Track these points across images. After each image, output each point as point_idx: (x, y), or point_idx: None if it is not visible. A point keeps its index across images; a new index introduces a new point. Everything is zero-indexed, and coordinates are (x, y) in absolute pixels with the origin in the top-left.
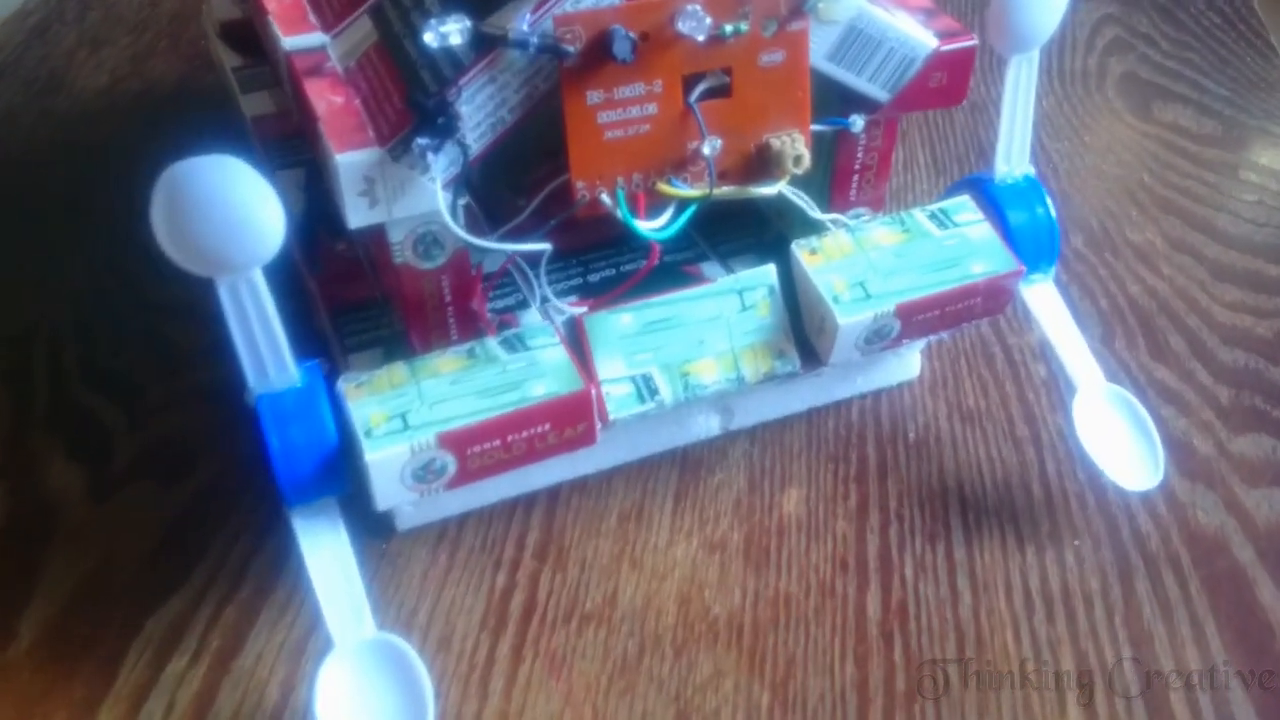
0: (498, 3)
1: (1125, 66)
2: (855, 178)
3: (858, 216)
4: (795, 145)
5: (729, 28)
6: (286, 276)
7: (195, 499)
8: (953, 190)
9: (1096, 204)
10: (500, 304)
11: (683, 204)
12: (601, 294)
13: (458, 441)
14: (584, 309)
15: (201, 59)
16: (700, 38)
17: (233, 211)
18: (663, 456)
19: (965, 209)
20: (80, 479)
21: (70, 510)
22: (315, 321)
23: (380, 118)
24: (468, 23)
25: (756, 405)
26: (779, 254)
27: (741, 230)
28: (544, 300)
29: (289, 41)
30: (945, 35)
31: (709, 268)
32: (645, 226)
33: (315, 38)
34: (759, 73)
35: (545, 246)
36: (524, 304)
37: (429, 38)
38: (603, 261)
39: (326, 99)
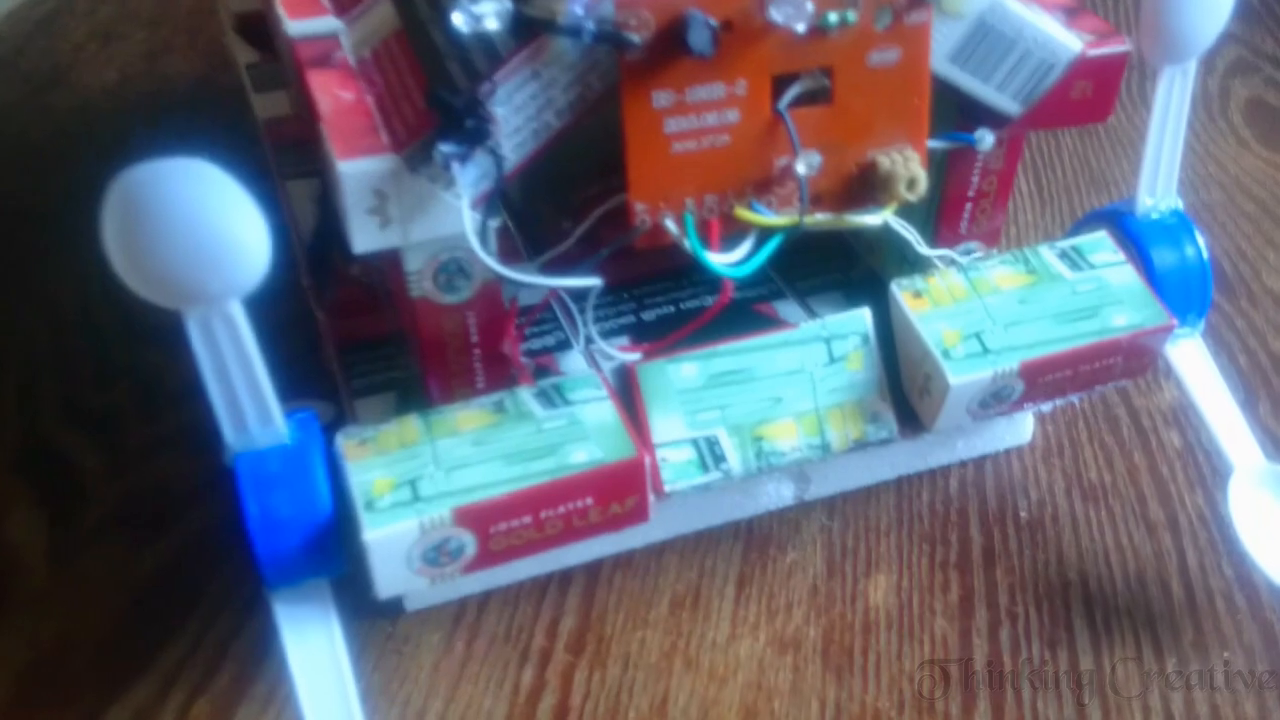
0: None
1: (1250, 90)
2: (968, 206)
3: (969, 252)
4: (909, 165)
5: (834, 17)
6: (292, 301)
7: (171, 565)
8: (1083, 225)
9: (1228, 245)
10: (537, 344)
11: (765, 234)
12: (658, 337)
13: (479, 518)
14: (637, 355)
15: (221, 57)
16: (800, 28)
17: (203, 230)
18: (724, 529)
19: (1103, 247)
20: (42, 534)
21: (27, 573)
22: (322, 356)
23: (397, 119)
24: (507, 3)
25: (837, 472)
26: (871, 295)
27: (824, 264)
28: (589, 342)
29: (295, 26)
30: (1092, 38)
31: (785, 307)
32: (718, 260)
33: (326, 22)
34: (867, 74)
35: (594, 282)
36: (565, 344)
37: (458, 19)
38: (660, 296)
39: (333, 95)
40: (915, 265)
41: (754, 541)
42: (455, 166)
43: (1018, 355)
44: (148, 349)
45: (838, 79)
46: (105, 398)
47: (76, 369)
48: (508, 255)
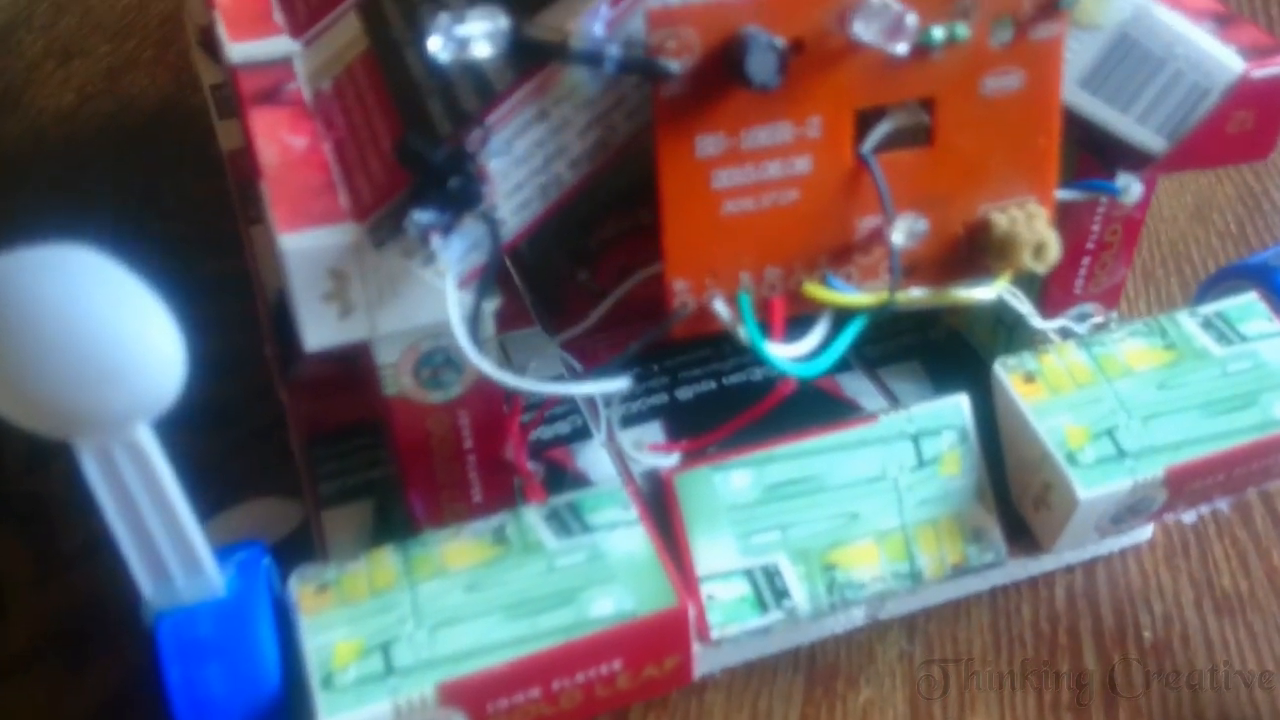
0: None
1: None
2: (1086, 260)
3: (1085, 317)
4: (1033, 226)
5: (939, 33)
6: (254, 367)
7: (108, 704)
8: (1222, 280)
9: None
10: (547, 431)
11: (842, 315)
12: (697, 427)
13: (472, 694)
14: (673, 457)
15: (190, 72)
16: (899, 49)
17: (93, 340)
18: (781, 658)
19: (1254, 314)
20: None
21: None
22: (290, 445)
23: (360, 174)
24: (503, 22)
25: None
26: (958, 365)
27: (896, 322)
28: (610, 434)
29: (237, 50)
30: (1253, 53)
31: (852, 383)
32: (782, 352)
33: (277, 45)
34: (980, 106)
35: (621, 385)
36: (583, 432)
37: (436, 44)
38: (697, 369)
39: (281, 141)
40: (1015, 327)
41: (818, 674)
42: (435, 239)
43: (1162, 459)
44: None
45: (941, 113)
46: (35, 482)
47: (5, 444)
48: (509, 318)
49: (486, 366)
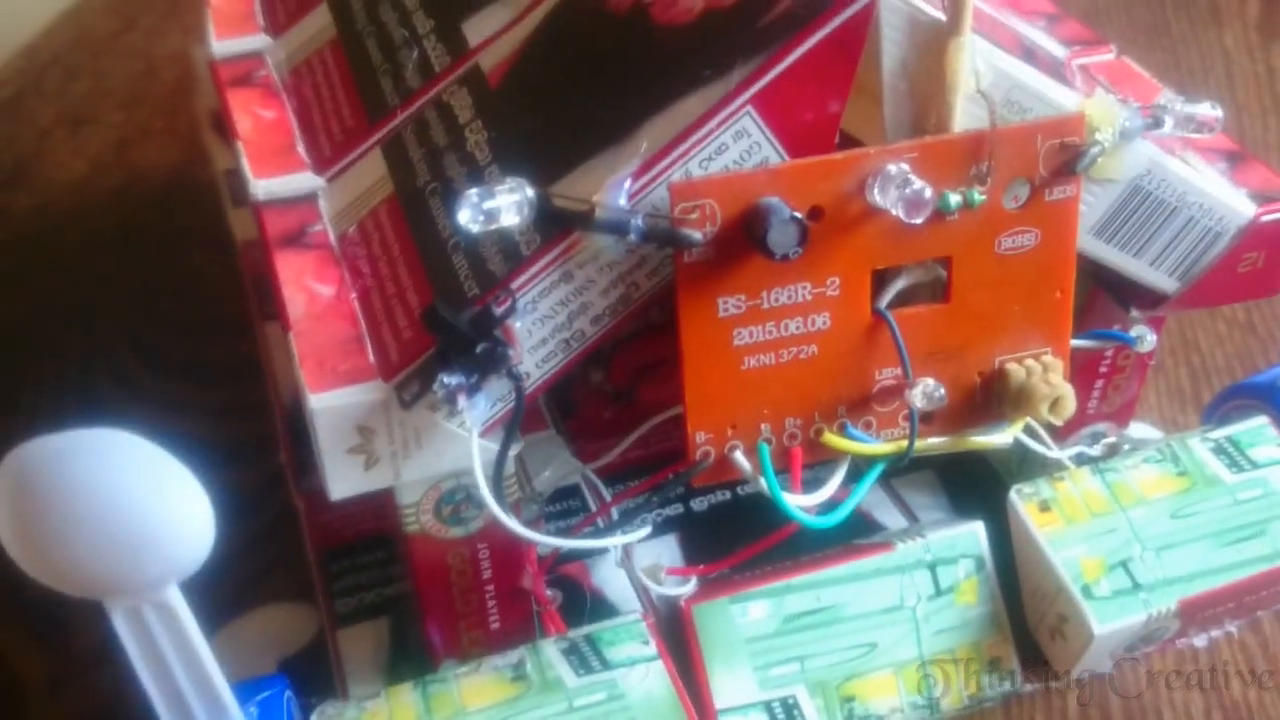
0: (579, 156)
1: None
2: (1100, 383)
3: (1098, 439)
4: (1049, 379)
5: (954, 199)
6: (270, 464)
7: None
8: (1231, 398)
9: None
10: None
11: (860, 462)
12: (715, 545)
13: None
14: (689, 584)
15: (201, 143)
16: (915, 220)
17: (126, 516)
18: None
19: (1265, 440)
20: None
21: None
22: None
23: (388, 327)
24: (529, 192)
25: None
26: (971, 478)
27: None
28: (627, 556)
29: (262, 186)
30: (1264, 197)
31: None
32: (802, 505)
33: (301, 181)
34: (995, 263)
35: (641, 534)
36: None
37: (465, 218)
38: None
39: (307, 289)
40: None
41: None
42: (461, 399)
43: (1175, 591)
44: None
45: (957, 270)
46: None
47: None
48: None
49: (510, 522)
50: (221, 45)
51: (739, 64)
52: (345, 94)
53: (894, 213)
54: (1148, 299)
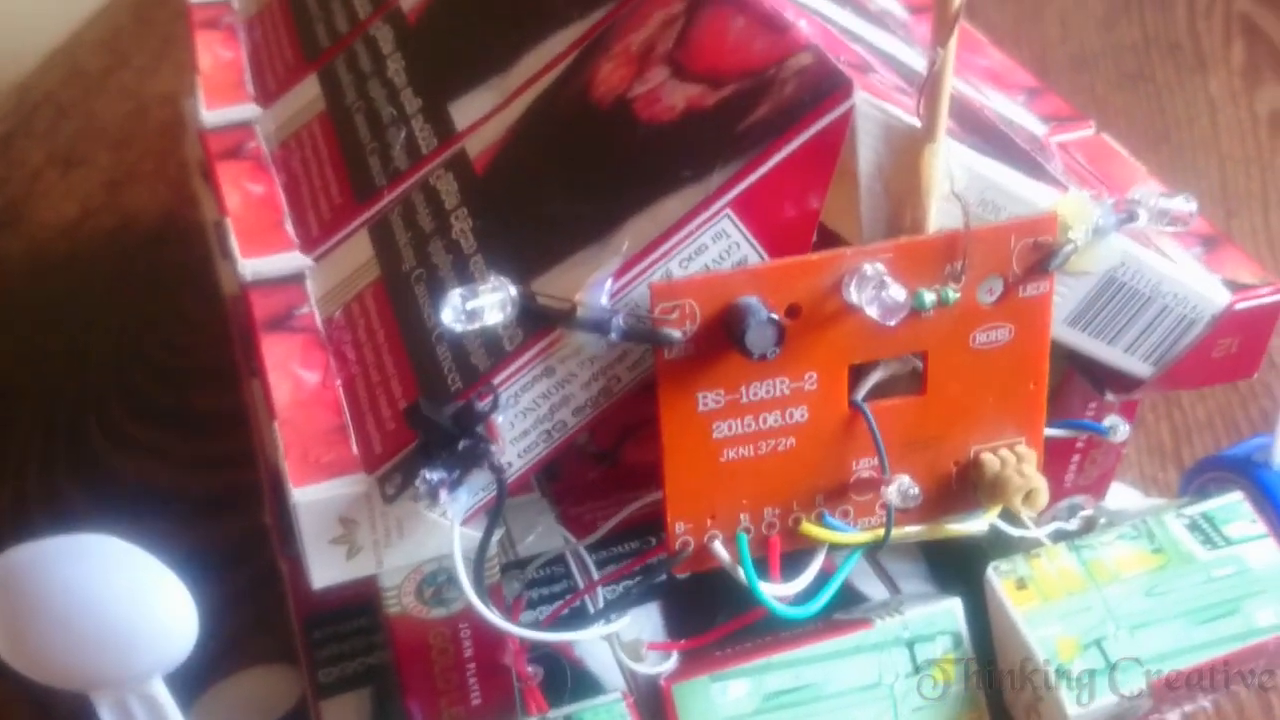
0: (562, 251)
1: None
2: (1076, 457)
3: (1075, 511)
4: (1023, 470)
5: (929, 297)
6: (255, 516)
7: None
8: (1207, 470)
9: None
10: (544, 608)
11: (837, 550)
12: (697, 614)
13: None
14: (670, 659)
15: (190, 185)
16: (890, 322)
17: (111, 617)
18: None
19: (1238, 516)
20: None
21: None
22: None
23: (371, 416)
24: (512, 291)
25: None
26: (954, 554)
27: None
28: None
29: (250, 266)
30: (1239, 286)
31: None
32: (777, 593)
33: (289, 261)
34: (969, 357)
35: (622, 625)
36: (581, 614)
37: (449, 317)
38: None
39: (293, 375)
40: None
41: None
42: (444, 494)
43: (1149, 671)
44: None
45: (933, 363)
46: None
47: None
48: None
49: (491, 616)
50: (212, 115)
51: (719, 168)
52: (334, 170)
53: (869, 313)
54: (1122, 383)
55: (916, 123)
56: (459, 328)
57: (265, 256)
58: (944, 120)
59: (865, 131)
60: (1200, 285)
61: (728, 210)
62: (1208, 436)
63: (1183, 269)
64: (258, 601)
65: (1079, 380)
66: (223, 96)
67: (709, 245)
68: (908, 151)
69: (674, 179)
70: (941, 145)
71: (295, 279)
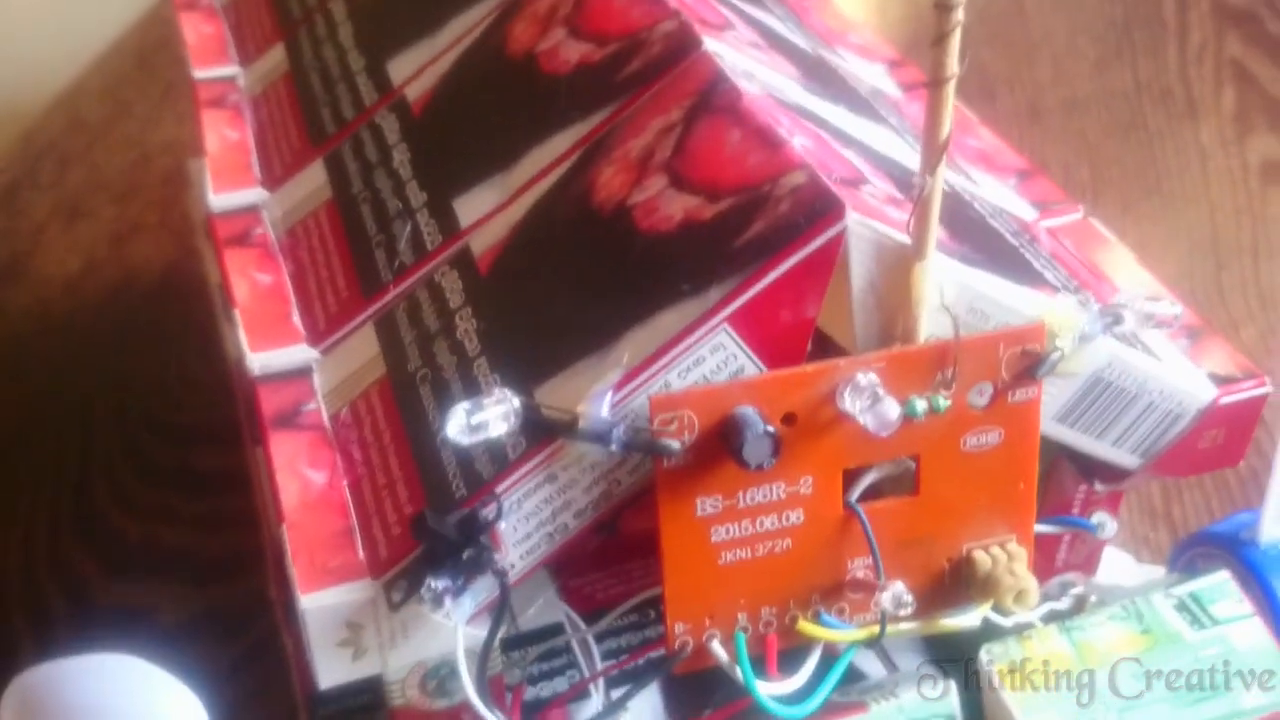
0: (564, 359)
1: None
2: (1067, 537)
3: (1066, 589)
4: (1014, 569)
5: (920, 405)
6: (259, 580)
7: None
8: (1194, 546)
9: None
10: (546, 687)
11: (832, 647)
12: (696, 700)
13: None
14: None
15: (193, 235)
16: (883, 434)
17: None
18: None
19: (1225, 595)
20: None
21: None
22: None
23: (378, 521)
24: (515, 403)
25: None
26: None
27: None
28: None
29: (258, 360)
30: (1224, 380)
31: None
32: (774, 691)
33: (296, 354)
34: (961, 460)
35: None
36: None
37: (455, 431)
38: None
39: (300, 476)
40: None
41: None
42: (448, 600)
43: None
44: (97, 625)
45: (925, 466)
46: None
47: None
48: None
49: (492, 718)
50: (219, 199)
51: (716, 284)
52: (340, 261)
53: (863, 423)
54: (1110, 474)
55: (907, 240)
56: (464, 441)
57: (273, 350)
58: (934, 238)
59: (857, 249)
60: (1185, 381)
61: (725, 325)
62: (1198, 494)
63: (1168, 366)
64: (257, 673)
65: (1067, 469)
66: (230, 180)
67: (706, 357)
68: (899, 268)
69: (673, 293)
70: (931, 262)
71: (303, 373)
